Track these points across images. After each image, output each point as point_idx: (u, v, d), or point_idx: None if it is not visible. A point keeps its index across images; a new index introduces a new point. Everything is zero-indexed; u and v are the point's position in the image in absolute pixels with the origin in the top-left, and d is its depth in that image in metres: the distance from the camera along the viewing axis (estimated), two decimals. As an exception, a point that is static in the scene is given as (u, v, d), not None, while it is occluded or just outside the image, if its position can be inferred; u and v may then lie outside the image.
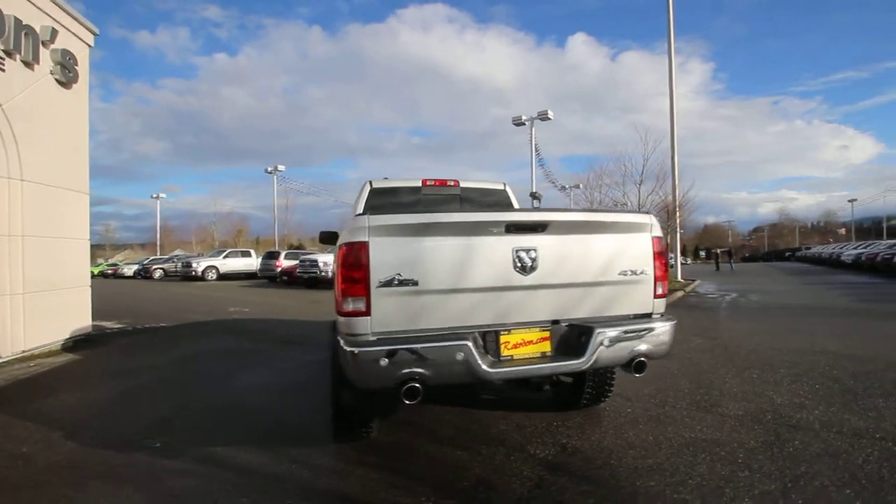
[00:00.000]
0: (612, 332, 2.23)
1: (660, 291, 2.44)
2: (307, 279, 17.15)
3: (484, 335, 2.18)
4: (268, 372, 4.72)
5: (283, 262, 20.88)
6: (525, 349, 2.22)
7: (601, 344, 2.20)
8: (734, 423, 2.99)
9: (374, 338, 2.04)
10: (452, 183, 4.05)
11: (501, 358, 2.18)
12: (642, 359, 2.30)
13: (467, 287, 2.13)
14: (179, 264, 25.54)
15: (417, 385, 1.99)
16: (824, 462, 2.41)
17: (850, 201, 48.17)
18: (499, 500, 2.18)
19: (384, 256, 2.04)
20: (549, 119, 19.14)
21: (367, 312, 2.03)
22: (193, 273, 22.96)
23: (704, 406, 3.33)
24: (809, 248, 39.18)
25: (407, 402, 2.00)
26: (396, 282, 2.03)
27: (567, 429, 2.98)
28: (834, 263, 25.28)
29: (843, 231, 55.38)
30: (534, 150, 19.40)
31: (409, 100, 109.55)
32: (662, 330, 2.36)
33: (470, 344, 2.05)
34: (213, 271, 23.21)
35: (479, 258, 2.13)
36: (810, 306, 9.42)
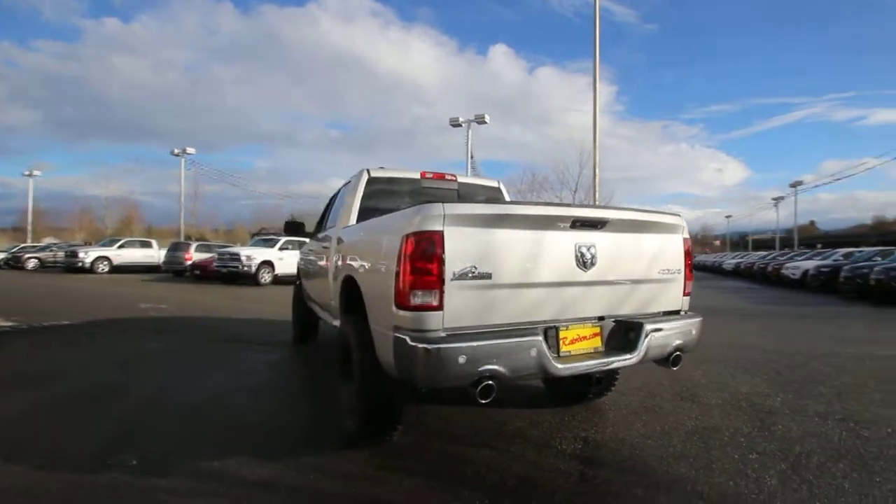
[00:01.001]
0: (657, 328, 2.33)
1: (688, 290, 2.60)
2: (226, 274, 15.78)
3: (545, 331, 2.15)
4: (227, 374, 4.24)
5: (194, 255, 19.03)
6: (580, 345, 2.23)
7: (649, 339, 2.28)
8: (720, 412, 3.27)
9: (444, 334, 1.91)
10: (450, 177, 3.96)
11: (561, 354, 2.17)
12: (679, 353, 2.43)
13: (535, 282, 2.08)
14: (62, 254, 22.11)
15: (492, 383, 1.91)
16: (811, 442, 2.73)
17: (726, 217, 55.76)
18: (551, 496, 2.16)
19: (459, 247, 1.92)
20: (486, 123, 19.71)
21: (440, 307, 1.89)
22: (80, 264, 19.99)
23: (687, 396, 3.61)
24: (695, 257, 44.64)
25: (483, 401, 1.90)
26: (471, 275, 1.93)
27: (579, 423, 3.05)
28: (716, 270, 29.12)
29: (717, 243, 63.98)
30: (469, 152, 19.81)
31: (328, 91, 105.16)
32: (696, 325, 2.53)
33: (541, 339, 2.01)
34: (105, 263, 20.42)
35: (547, 252, 2.10)
36: (715, 307, 10.68)
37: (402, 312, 1.95)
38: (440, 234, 1.90)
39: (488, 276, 1.96)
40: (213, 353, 5.10)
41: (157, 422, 3.05)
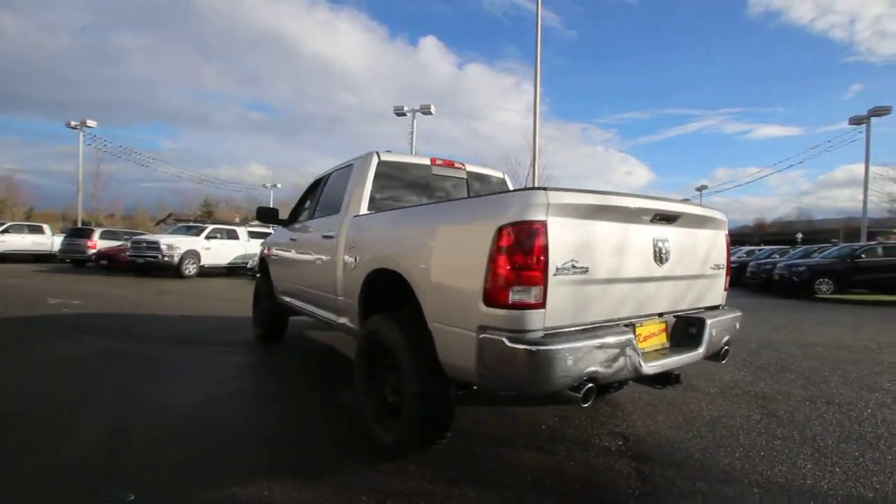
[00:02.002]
0: (716, 323, 2.36)
1: (727, 285, 2.67)
2: (142, 265, 14.11)
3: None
4: (197, 382, 3.71)
5: (99, 243, 16.85)
6: (651, 341, 2.19)
7: (711, 334, 2.30)
8: (724, 400, 3.45)
9: (542, 334, 1.76)
10: (459, 165, 3.75)
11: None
12: (727, 347, 2.49)
13: (623, 277, 1.99)
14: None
15: (593, 385, 1.79)
16: (817, 426, 2.95)
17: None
18: (624, 498, 2.10)
19: (561, 239, 1.77)
20: (431, 114, 19.44)
21: (542, 304, 1.73)
22: (-52, 252, 16.84)
23: (686, 387, 3.76)
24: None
25: (584, 405, 1.78)
26: (572, 269, 1.79)
27: (607, 418, 3.05)
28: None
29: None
30: (414, 143, 19.39)
31: (249, 70, 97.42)
32: (739, 320, 2.61)
33: (633, 337, 1.93)
34: (-17, 250, 17.39)
35: (632, 246, 2.02)
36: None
37: (494, 311, 1.76)
38: (543, 225, 1.73)
39: (585, 270, 1.83)
40: (166, 358, 4.45)
41: (141, 442, 2.55)
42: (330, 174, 4.03)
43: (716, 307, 2.64)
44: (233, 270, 15.99)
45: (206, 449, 2.51)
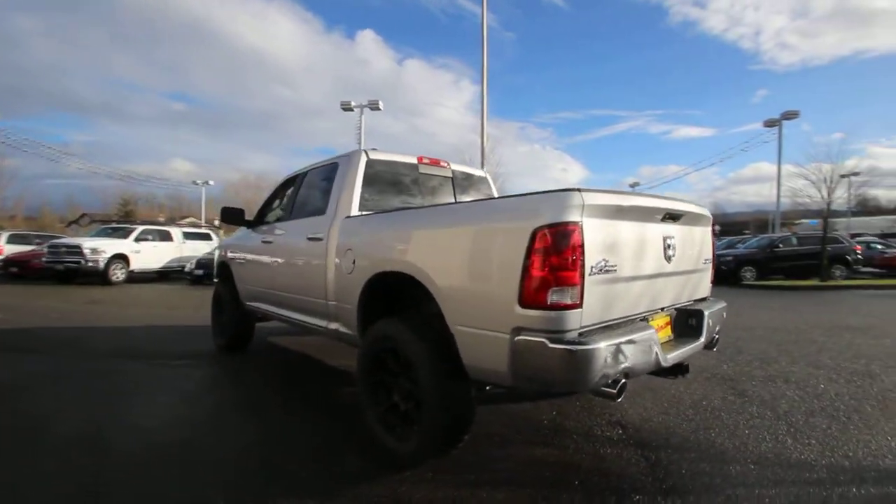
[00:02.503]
0: (711, 314, 2.51)
1: (713, 278, 2.86)
2: (62, 271, 12.70)
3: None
4: (164, 400, 3.40)
5: (6, 248, 15.00)
6: (660, 334, 2.28)
7: (709, 324, 2.45)
8: (698, 384, 3.69)
9: (577, 333, 1.78)
10: (444, 164, 3.70)
11: (652, 345, 2.19)
12: (717, 336, 2.66)
13: (641, 274, 2.06)
14: None
15: (626, 380, 1.84)
16: (783, 403, 3.24)
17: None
18: (643, 486, 2.18)
19: (595, 239, 1.80)
20: (380, 109, 19.08)
21: (579, 304, 1.75)
22: None
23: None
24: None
25: (617, 400, 1.83)
26: (605, 268, 1.82)
27: (601, 408, 3.16)
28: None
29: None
30: (362, 138, 18.93)
31: (171, 58, 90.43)
32: (725, 310, 2.80)
33: (655, 332, 2.00)
34: None
35: (647, 244, 2.10)
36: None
37: (531, 312, 1.76)
38: (579, 226, 1.75)
39: (614, 269, 1.88)
40: (120, 375, 4.04)
41: (124, 475, 2.28)
42: (305, 173, 3.84)
43: (703, 299, 2.81)
44: (166, 275, 14.86)
45: (203, 476, 2.30)
